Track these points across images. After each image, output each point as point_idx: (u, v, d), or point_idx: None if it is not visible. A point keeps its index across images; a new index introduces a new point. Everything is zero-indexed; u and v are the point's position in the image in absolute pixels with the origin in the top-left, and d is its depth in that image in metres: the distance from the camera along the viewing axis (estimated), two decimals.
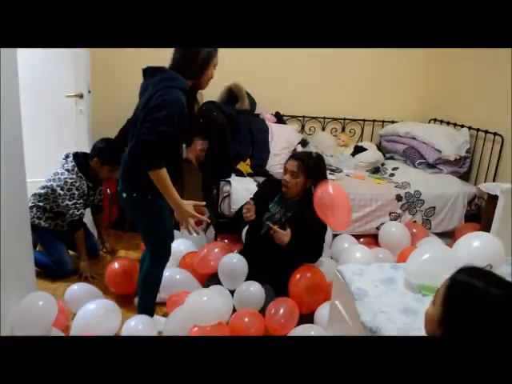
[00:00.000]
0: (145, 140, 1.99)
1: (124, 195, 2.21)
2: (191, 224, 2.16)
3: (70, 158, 3.00)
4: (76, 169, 2.97)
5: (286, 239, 2.57)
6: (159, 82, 2.04)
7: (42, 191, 3.00)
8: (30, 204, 2.97)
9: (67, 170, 2.95)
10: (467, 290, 1.14)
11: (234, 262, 2.70)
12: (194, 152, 2.52)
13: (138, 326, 2.28)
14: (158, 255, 2.36)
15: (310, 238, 2.66)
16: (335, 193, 2.43)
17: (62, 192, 2.90)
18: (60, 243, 3.07)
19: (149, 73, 2.15)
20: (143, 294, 2.43)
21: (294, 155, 2.75)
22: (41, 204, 3.01)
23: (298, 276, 2.61)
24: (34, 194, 3.03)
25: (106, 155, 2.98)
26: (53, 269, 2.98)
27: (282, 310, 2.46)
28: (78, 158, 3.02)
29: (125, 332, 2.29)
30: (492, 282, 1.13)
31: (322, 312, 2.48)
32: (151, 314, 2.46)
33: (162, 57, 3.81)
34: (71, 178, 2.93)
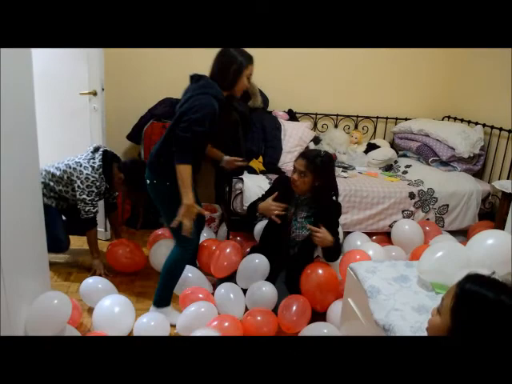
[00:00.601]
0: (181, 136, 2.23)
1: (148, 181, 2.44)
2: (189, 224, 2.29)
3: (99, 156, 2.95)
4: (101, 169, 2.94)
5: (330, 238, 2.57)
6: (197, 88, 2.32)
7: (58, 173, 2.95)
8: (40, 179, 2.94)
9: (92, 167, 2.90)
10: (478, 300, 1.12)
11: (256, 262, 2.69)
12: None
13: (149, 322, 2.33)
14: (182, 243, 2.45)
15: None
16: None
17: (81, 185, 2.87)
18: (58, 219, 3.05)
19: (194, 79, 2.42)
20: (162, 282, 2.52)
21: (303, 154, 2.74)
22: (51, 183, 2.97)
23: (308, 272, 2.61)
24: (48, 172, 2.98)
25: (132, 178, 2.95)
26: (48, 244, 2.96)
27: (294, 308, 2.46)
28: (107, 157, 2.98)
29: (137, 329, 2.32)
30: (502, 290, 1.11)
31: (335, 310, 2.48)
32: (167, 304, 2.53)
33: (176, 56, 3.84)
34: (93, 177, 2.89)
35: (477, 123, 3.90)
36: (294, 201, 2.75)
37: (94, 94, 3.19)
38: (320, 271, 2.59)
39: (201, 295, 2.55)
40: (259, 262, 2.69)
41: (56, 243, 2.99)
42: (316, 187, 2.67)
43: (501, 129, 3.63)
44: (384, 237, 3.43)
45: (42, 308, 2.13)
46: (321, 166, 2.63)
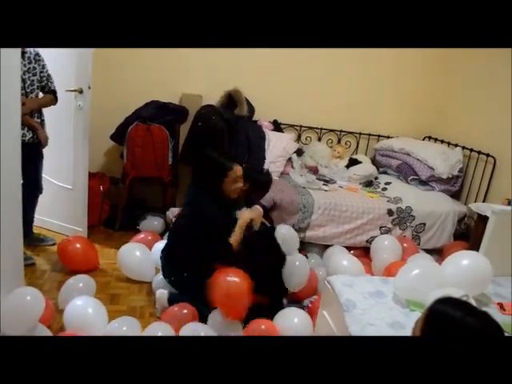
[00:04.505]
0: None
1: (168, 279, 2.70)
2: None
3: None
4: None
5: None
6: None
7: None
8: None
9: None
10: (444, 320, 1.16)
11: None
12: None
13: (121, 327, 2.27)
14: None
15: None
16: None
17: None
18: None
19: None
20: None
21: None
22: None
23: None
24: None
25: None
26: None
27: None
28: None
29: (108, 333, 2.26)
30: (468, 311, 1.15)
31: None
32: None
33: (165, 58, 3.84)
34: None
35: (456, 145, 3.99)
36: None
37: (80, 91, 3.16)
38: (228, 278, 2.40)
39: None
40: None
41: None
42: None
43: (479, 152, 3.72)
44: (360, 251, 3.46)
45: (15, 303, 2.10)
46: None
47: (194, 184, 2.68)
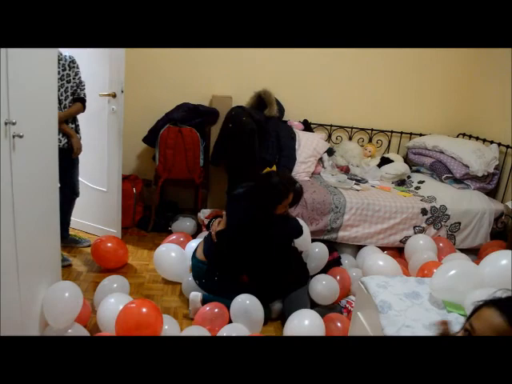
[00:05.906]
0: None
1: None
2: None
3: None
4: None
5: None
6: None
7: None
8: None
9: None
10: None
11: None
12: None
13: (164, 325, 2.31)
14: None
15: None
16: None
17: None
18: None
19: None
20: None
21: None
22: None
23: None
24: None
25: None
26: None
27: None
28: None
29: None
30: None
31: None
32: None
33: (195, 60, 3.86)
34: None
35: (492, 142, 3.89)
36: None
37: (114, 95, 3.22)
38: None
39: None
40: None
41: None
42: None
43: None
44: (394, 252, 3.41)
45: (55, 295, 2.21)
46: None
47: (244, 199, 2.75)
